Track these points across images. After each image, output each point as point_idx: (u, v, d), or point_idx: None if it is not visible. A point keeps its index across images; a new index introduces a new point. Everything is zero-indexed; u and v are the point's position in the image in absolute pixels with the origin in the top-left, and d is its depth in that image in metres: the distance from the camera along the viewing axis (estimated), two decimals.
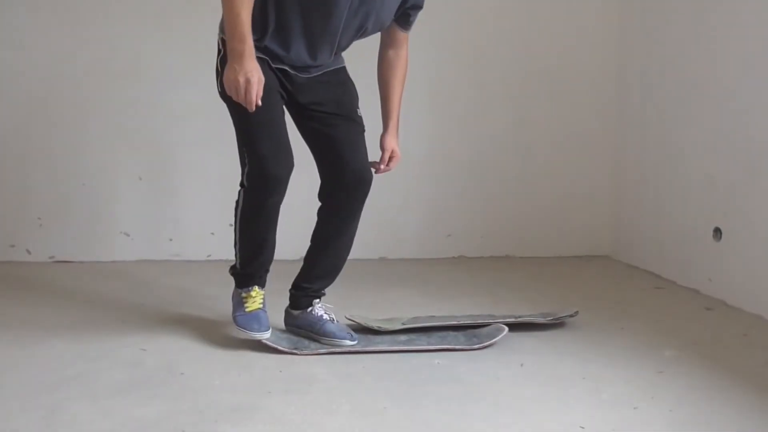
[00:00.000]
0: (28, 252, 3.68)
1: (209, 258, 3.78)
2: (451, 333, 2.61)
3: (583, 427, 1.94)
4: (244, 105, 2.24)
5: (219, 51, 2.39)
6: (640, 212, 3.79)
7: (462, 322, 2.68)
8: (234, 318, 2.51)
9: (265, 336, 2.45)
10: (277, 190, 2.37)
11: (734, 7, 3.11)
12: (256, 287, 2.54)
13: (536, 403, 2.10)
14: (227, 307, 2.92)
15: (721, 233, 3.17)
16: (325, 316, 2.56)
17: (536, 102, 3.96)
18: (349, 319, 2.67)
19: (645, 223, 3.73)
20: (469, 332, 2.60)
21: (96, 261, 3.69)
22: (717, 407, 2.07)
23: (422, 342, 2.52)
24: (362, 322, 2.65)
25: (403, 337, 2.57)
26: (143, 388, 2.14)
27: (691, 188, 3.37)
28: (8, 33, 3.62)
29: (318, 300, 2.60)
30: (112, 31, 3.66)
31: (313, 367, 2.33)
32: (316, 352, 2.44)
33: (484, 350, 2.49)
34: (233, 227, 2.52)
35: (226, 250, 3.82)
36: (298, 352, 2.43)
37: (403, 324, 2.64)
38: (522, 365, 2.38)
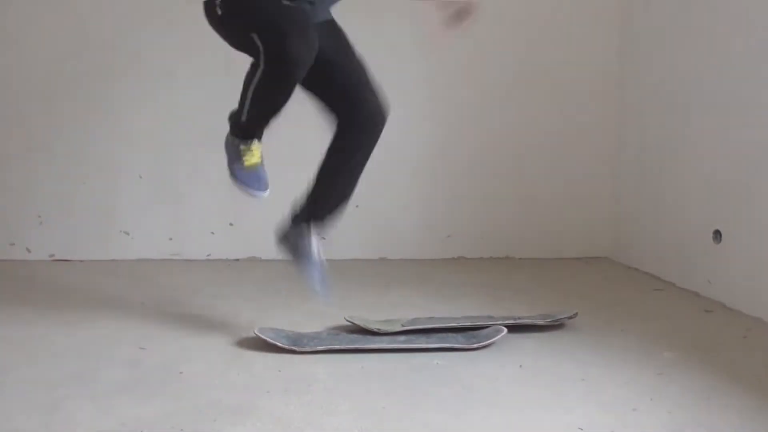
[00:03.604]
0: (28, 250, 3.68)
1: (209, 257, 3.78)
2: (451, 333, 2.61)
3: (581, 429, 1.94)
4: None
5: None
6: (639, 214, 3.79)
7: (461, 323, 2.68)
8: (232, 171, 2.41)
9: (264, 195, 2.36)
10: (301, 70, 2.21)
11: (735, 7, 3.11)
12: (256, 140, 2.41)
13: (535, 404, 2.10)
14: (227, 306, 2.93)
15: (720, 235, 3.16)
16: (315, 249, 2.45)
17: (536, 102, 3.96)
18: (349, 321, 2.67)
19: (645, 224, 3.73)
20: (468, 333, 2.60)
21: (96, 260, 3.68)
22: (716, 410, 2.07)
23: (421, 342, 2.52)
24: (361, 323, 2.64)
25: (402, 337, 2.56)
26: (142, 387, 2.15)
27: (691, 190, 3.37)
28: (9, 32, 3.62)
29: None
30: (112, 31, 3.66)
31: (312, 367, 2.33)
32: (314, 349, 2.44)
33: (483, 351, 2.49)
34: (242, 95, 2.35)
35: (226, 250, 3.85)
36: (297, 350, 2.42)
37: (403, 326, 2.64)
38: (521, 366, 2.38)
